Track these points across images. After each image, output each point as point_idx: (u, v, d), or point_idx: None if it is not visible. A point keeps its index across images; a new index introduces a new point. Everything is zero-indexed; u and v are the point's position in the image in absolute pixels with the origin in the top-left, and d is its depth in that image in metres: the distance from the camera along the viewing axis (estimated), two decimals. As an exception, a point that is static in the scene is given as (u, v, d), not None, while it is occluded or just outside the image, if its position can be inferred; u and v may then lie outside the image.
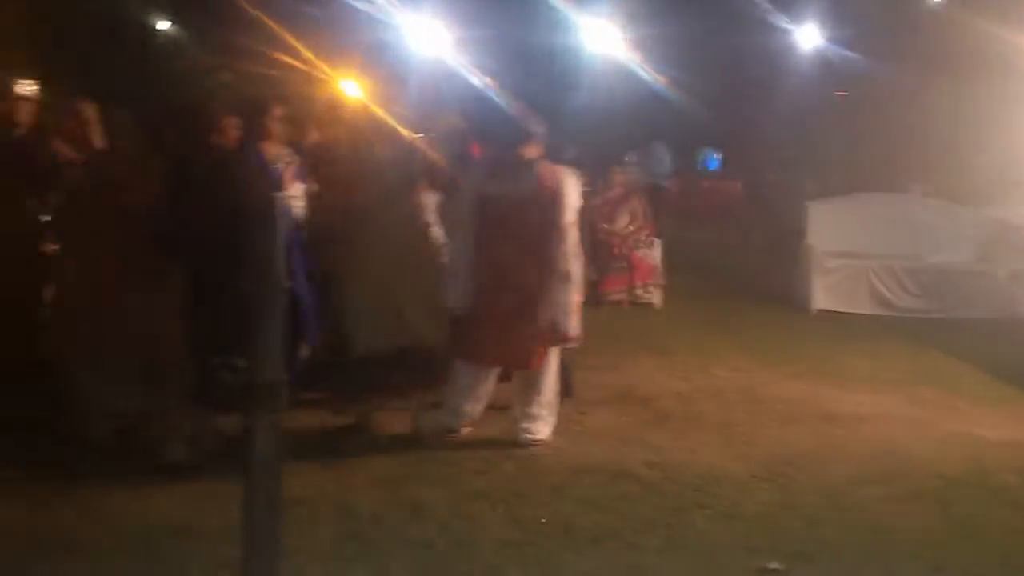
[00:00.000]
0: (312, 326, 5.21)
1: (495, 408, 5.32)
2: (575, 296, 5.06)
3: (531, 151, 5.06)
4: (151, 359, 4.73)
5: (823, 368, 7.18)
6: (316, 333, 5.26)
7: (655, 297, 9.75)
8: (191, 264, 4.58)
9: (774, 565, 3.72)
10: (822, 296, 9.76)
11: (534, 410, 5.08)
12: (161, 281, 4.67)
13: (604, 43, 14.56)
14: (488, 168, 5.15)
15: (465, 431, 5.18)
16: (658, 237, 10.14)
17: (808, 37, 15.41)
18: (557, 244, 4.96)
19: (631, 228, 9.76)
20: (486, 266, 4.95)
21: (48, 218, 5.33)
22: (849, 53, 14.49)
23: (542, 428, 5.10)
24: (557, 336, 5.04)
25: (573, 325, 5.05)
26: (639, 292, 9.67)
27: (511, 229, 4.96)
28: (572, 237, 5.02)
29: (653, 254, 9.85)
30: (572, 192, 5.02)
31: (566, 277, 4.98)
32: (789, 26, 15.47)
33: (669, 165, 15.67)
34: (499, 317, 4.94)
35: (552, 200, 4.95)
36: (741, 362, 7.30)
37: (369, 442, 4.97)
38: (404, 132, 5.03)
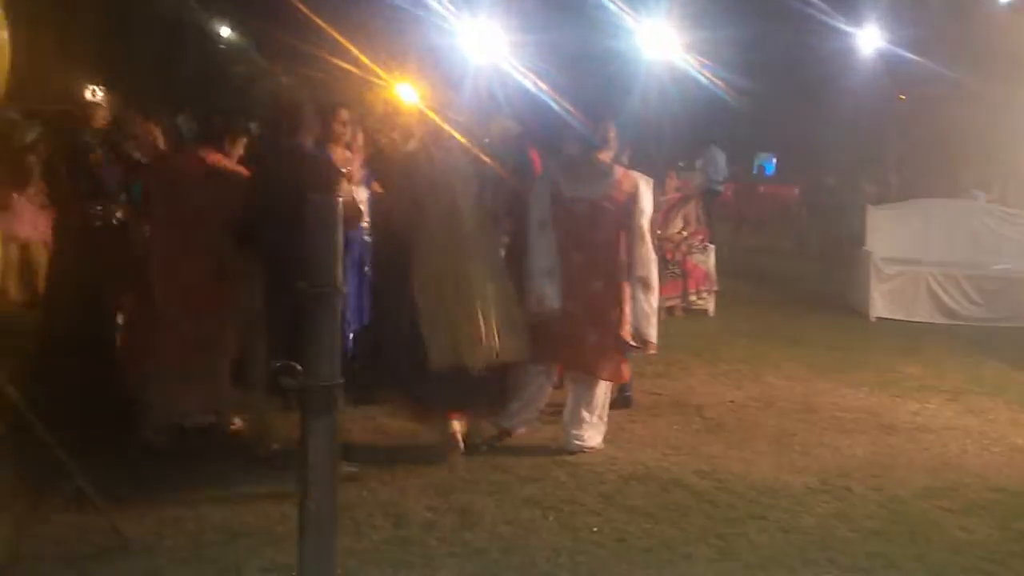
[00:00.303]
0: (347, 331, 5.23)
1: (545, 414, 5.34)
2: (654, 301, 5.07)
3: (606, 155, 5.08)
4: (233, 359, 4.84)
5: (882, 377, 7.06)
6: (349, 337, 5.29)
7: (709, 304, 9.65)
8: (261, 264, 4.64)
9: (829, 579, 3.68)
10: (881, 303, 9.62)
11: (585, 416, 5.07)
12: (238, 281, 4.75)
13: (660, 46, 14.47)
14: (564, 171, 5.11)
15: (519, 432, 5.19)
16: (712, 243, 10.04)
17: (868, 39, 15.12)
18: (636, 248, 4.99)
19: (684, 234, 9.67)
20: (562, 269, 4.95)
21: (120, 219, 5.41)
22: (910, 56, 14.19)
23: (593, 435, 5.09)
24: (637, 343, 5.04)
25: (653, 332, 5.05)
26: (692, 299, 9.57)
27: (588, 233, 4.99)
28: (648, 242, 5.05)
29: (707, 260, 9.75)
30: (648, 196, 5.05)
31: (645, 282, 5.00)
32: (849, 28, 15.21)
33: (725, 169, 15.54)
34: (575, 321, 4.95)
35: (630, 204, 4.99)
36: (797, 370, 7.20)
37: (425, 448, 4.98)
38: (461, 138, 5.01)
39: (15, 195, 8.02)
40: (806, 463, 5.08)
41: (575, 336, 4.95)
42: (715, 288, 9.72)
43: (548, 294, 4.89)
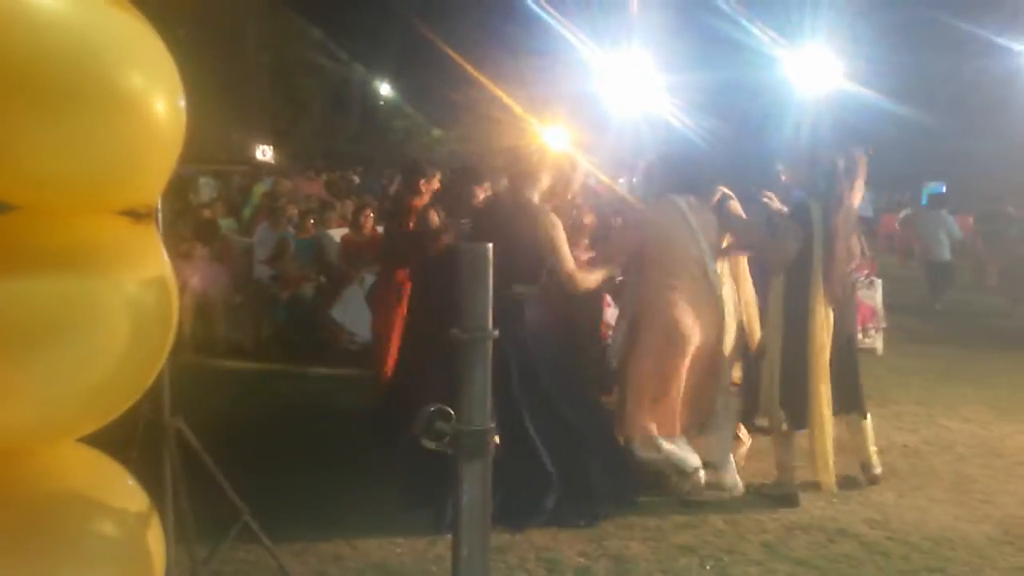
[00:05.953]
0: None
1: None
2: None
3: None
4: None
5: (1073, 419, 6.52)
6: None
7: (877, 342, 9.19)
8: None
9: (1017, 640, 3.41)
10: (1071, 338, 8.93)
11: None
12: None
13: (821, 75, 14.21)
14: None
15: None
16: (877, 276, 9.58)
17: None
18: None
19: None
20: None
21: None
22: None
23: None
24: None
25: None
26: (860, 337, 9.13)
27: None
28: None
29: (874, 295, 9.29)
30: None
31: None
32: (1018, 47, 14.41)
33: (867, 200, 14.93)
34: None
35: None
36: (976, 412, 6.76)
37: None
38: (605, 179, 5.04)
39: (199, 245, 8.60)
40: (988, 511, 4.74)
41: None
42: (883, 325, 9.25)
43: None
